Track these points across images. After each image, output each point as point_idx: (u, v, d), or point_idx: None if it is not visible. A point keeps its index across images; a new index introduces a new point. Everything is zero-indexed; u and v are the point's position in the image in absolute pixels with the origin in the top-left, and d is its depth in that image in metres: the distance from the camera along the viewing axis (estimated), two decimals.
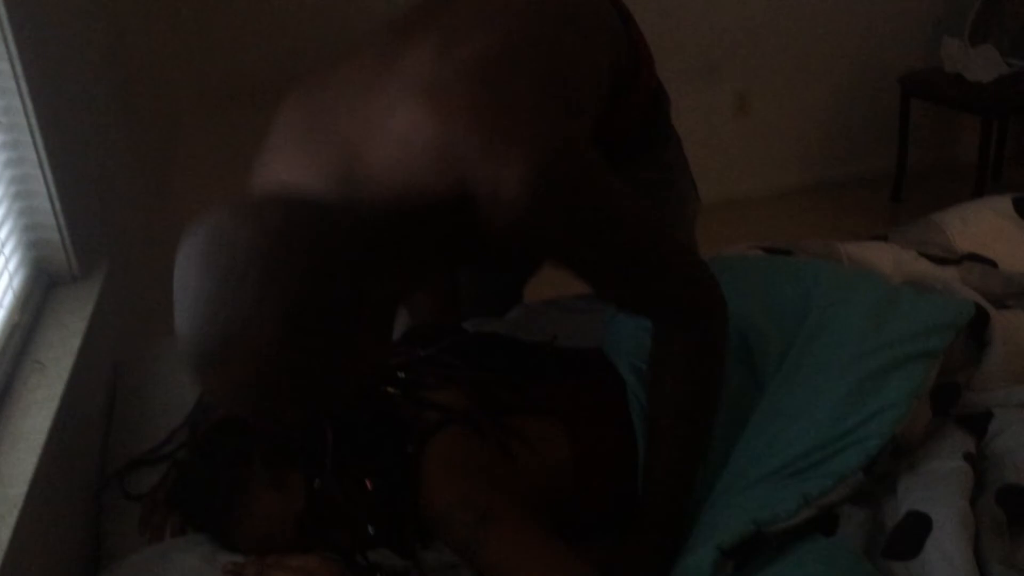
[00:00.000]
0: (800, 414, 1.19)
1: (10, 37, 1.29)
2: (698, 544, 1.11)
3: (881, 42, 3.61)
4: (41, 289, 1.43)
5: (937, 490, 1.12)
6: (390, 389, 1.21)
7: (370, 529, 1.12)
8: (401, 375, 1.24)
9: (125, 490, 1.24)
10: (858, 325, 1.26)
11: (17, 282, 1.36)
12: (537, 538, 1.07)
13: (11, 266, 1.35)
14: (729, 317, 1.14)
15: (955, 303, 1.32)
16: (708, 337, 1.14)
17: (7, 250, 1.34)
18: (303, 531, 1.10)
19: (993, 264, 1.58)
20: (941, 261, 1.56)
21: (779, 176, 3.74)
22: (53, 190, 1.40)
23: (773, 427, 1.20)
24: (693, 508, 1.19)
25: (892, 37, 3.61)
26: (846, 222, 3.40)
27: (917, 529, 1.09)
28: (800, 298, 1.34)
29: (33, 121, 1.35)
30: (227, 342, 0.80)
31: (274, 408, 0.85)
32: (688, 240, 1.51)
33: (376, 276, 0.85)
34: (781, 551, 1.10)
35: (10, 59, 1.30)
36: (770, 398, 1.23)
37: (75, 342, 1.32)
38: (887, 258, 1.55)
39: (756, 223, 3.43)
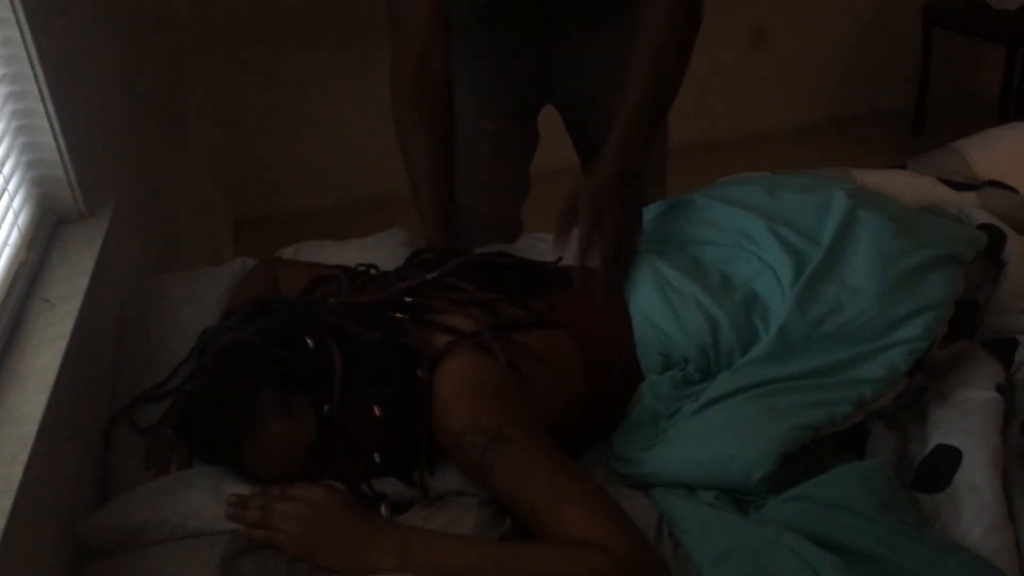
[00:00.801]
0: (840, 308, 1.20)
1: None
2: (746, 437, 1.11)
3: None
4: (47, 227, 1.42)
5: (967, 422, 1.12)
6: (398, 314, 1.20)
7: (376, 457, 1.12)
8: (408, 299, 1.23)
9: (133, 424, 1.24)
10: (888, 227, 1.26)
11: (23, 220, 1.34)
12: (550, 459, 1.06)
13: (16, 203, 1.33)
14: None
15: (970, 229, 1.33)
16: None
17: (11, 187, 1.32)
18: (312, 459, 1.10)
19: (1014, 191, 1.55)
20: (961, 187, 1.53)
21: (797, 110, 3.67)
22: (56, 125, 1.37)
23: (812, 315, 1.20)
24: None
25: None
26: (865, 156, 3.33)
27: (946, 462, 1.08)
28: (819, 204, 1.33)
29: (33, 53, 1.32)
30: None
31: None
32: None
33: None
34: (814, 471, 1.10)
35: None
36: (805, 291, 1.22)
37: (83, 280, 1.31)
38: (905, 185, 1.53)
39: (773, 158, 3.36)
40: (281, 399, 1.08)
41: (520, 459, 1.05)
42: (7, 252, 1.27)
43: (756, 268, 1.28)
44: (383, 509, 1.10)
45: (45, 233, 1.40)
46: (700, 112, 3.56)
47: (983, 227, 1.34)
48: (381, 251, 1.55)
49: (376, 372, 1.12)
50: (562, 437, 1.14)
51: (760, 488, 1.09)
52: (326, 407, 1.09)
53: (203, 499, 1.08)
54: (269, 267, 1.46)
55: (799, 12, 3.50)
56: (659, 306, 1.26)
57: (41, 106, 1.36)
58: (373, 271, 1.37)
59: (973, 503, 1.03)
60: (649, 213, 1.53)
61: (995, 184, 1.55)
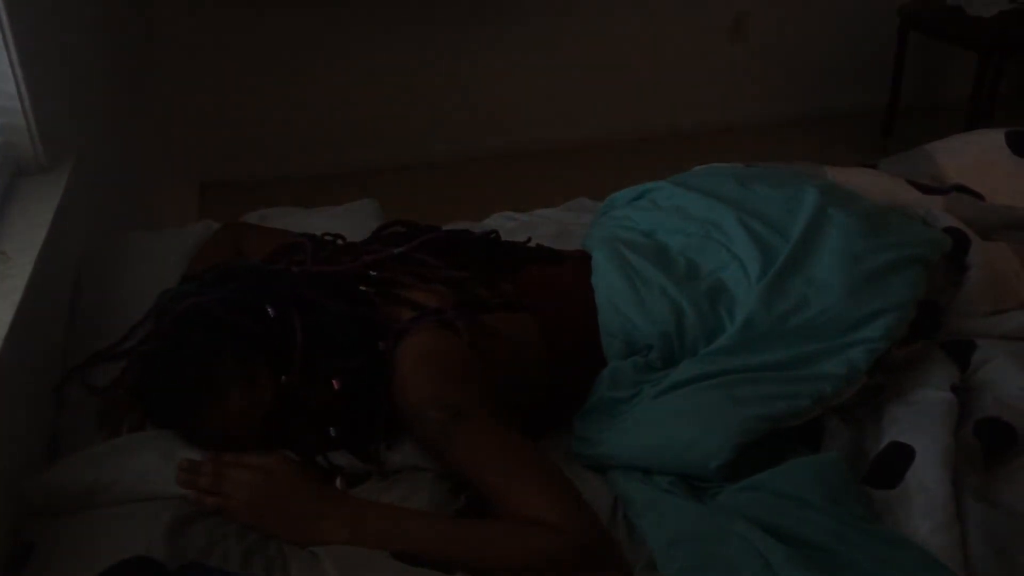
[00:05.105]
0: (806, 304, 1.21)
1: None
2: (705, 424, 1.12)
3: None
4: (5, 178, 1.38)
5: (922, 421, 1.13)
6: (363, 287, 1.19)
7: (332, 431, 1.11)
8: (374, 274, 1.22)
9: (87, 383, 1.22)
10: (857, 226, 1.27)
11: None
12: (509, 438, 1.07)
13: None
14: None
15: (936, 231, 1.34)
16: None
17: None
18: (268, 428, 1.08)
19: (981, 197, 1.56)
20: (928, 190, 1.54)
21: (770, 104, 3.69)
22: (19, 73, 1.34)
23: (778, 309, 1.21)
24: None
25: None
26: (834, 155, 3.35)
27: (899, 460, 1.10)
28: (789, 199, 1.34)
29: None
30: None
31: None
32: None
33: None
34: (769, 462, 1.11)
35: None
36: (772, 285, 1.23)
37: (40, 233, 1.28)
38: (874, 184, 1.53)
39: (742, 151, 3.38)
40: (239, 367, 1.07)
41: (480, 436, 1.05)
42: None
43: (724, 259, 1.28)
44: (338, 482, 1.09)
45: (2, 184, 1.37)
46: (674, 100, 3.57)
47: (948, 230, 1.35)
48: (349, 222, 1.53)
49: (338, 344, 1.11)
50: (522, 418, 1.14)
51: (716, 476, 1.10)
52: (284, 378, 1.07)
53: (155, 463, 1.06)
54: (234, 231, 1.44)
55: (780, 4, 3.51)
56: (625, 293, 1.26)
57: (4, 53, 1.32)
58: (340, 242, 1.35)
59: (923, 501, 1.04)
60: (620, 198, 1.52)
61: (963, 189, 1.57)
